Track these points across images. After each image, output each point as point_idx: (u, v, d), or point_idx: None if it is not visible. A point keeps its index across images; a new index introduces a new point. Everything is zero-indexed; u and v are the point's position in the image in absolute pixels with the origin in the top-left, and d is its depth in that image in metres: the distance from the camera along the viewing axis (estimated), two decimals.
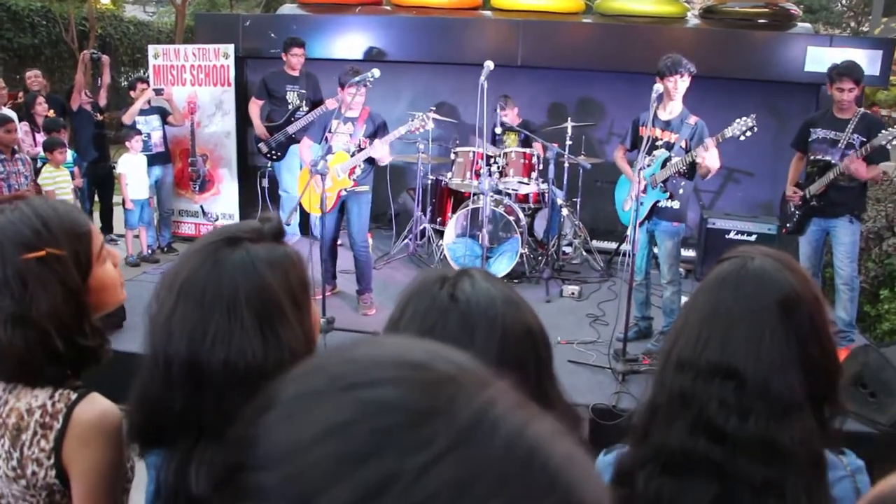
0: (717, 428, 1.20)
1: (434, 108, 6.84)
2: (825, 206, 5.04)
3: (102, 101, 7.61)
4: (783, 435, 1.19)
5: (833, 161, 4.93)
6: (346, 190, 5.56)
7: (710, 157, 4.64)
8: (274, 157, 7.10)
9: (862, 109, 5.07)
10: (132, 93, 7.17)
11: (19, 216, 1.34)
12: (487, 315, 1.10)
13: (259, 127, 7.05)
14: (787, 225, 5.33)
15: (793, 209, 5.23)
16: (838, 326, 4.99)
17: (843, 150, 4.91)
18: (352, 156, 5.49)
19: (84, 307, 1.38)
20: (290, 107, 7.00)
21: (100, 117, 7.52)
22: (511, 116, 7.16)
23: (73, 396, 1.35)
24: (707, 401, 1.22)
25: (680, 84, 4.75)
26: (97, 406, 1.36)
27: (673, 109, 4.89)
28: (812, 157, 5.13)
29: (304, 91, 7.04)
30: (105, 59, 7.68)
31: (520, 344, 1.11)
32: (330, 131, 5.25)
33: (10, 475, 1.33)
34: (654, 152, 4.87)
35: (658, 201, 4.92)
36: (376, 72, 5.18)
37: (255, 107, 7.13)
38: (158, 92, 7.22)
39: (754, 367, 1.21)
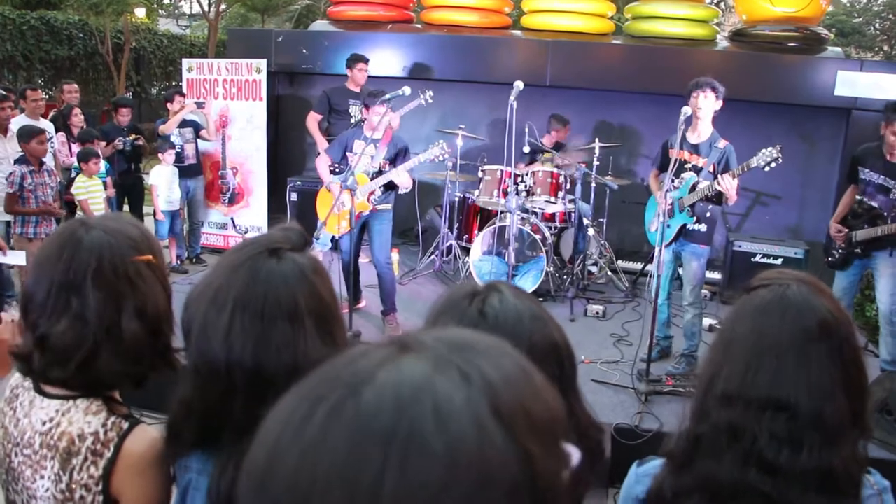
0: (769, 461, 1.20)
1: (463, 126, 6.89)
2: (867, 247, 4.84)
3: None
4: (836, 462, 1.19)
5: (883, 211, 4.68)
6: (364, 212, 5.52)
7: (728, 188, 4.46)
8: (336, 169, 7.15)
9: None
10: (169, 104, 7.30)
11: (120, 223, 1.41)
12: (515, 332, 1.13)
13: (321, 141, 7.04)
14: (829, 258, 5.11)
15: (837, 245, 5.03)
16: (881, 367, 4.84)
17: (892, 200, 4.63)
18: (371, 179, 5.40)
19: (172, 313, 1.45)
20: (352, 120, 7.05)
21: (133, 137, 7.40)
22: (557, 138, 7.20)
23: (125, 426, 1.37)
24: (758, 434, 1.21)
25: (702, 102, 4.64)
26: (147, 437, 1.38)
27: (702, 132, 4.79)
28: (858, 197, 4.90)
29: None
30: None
31: (545, 360, 1.13)
32: (351, 151, 5.25)
33: (58, 497, 1.34)
34: (683, 175, 4.81)
35: (685, 224, 4.87)
36: (407, 89, 5.20)
37: (313, 121, 7.17)
38: (200, 105, 7.34)
39: (807, 397, 1.20)
